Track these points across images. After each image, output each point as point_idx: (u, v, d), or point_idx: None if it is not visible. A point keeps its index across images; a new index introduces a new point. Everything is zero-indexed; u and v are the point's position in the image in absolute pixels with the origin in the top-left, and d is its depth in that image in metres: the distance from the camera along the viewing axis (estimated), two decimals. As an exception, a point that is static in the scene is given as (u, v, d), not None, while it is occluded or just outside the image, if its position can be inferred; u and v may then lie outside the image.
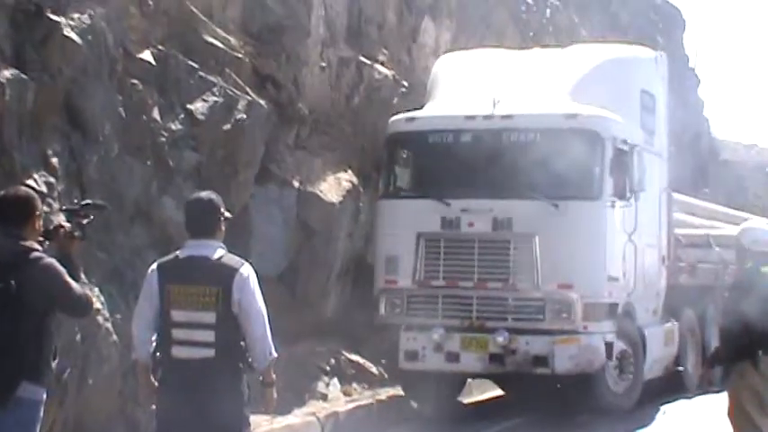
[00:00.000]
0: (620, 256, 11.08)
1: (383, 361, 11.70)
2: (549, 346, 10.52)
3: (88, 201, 5.99)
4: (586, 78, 11.52)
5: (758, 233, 7.33)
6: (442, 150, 11.22)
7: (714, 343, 11.22)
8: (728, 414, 7.12)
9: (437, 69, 12.54)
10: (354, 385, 11.94)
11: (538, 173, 10.60)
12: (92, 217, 5.64)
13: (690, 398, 12.13)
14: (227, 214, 5.67)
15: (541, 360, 10.54)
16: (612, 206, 10.94)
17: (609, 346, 10.80)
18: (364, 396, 11.63)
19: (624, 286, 11.18)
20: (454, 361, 10.77)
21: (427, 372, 10.99)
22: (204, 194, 5.73)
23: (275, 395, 5.61)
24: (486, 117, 11.06)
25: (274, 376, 5.57)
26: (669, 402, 12.14)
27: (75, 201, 6.24)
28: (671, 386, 12.59)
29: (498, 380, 12.22)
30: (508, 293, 10.73)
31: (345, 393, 11.68)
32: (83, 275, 5.42)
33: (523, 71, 11.93)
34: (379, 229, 11.57)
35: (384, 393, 11.70)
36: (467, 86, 11.77)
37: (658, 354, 12.08)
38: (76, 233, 5.51)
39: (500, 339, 10.60)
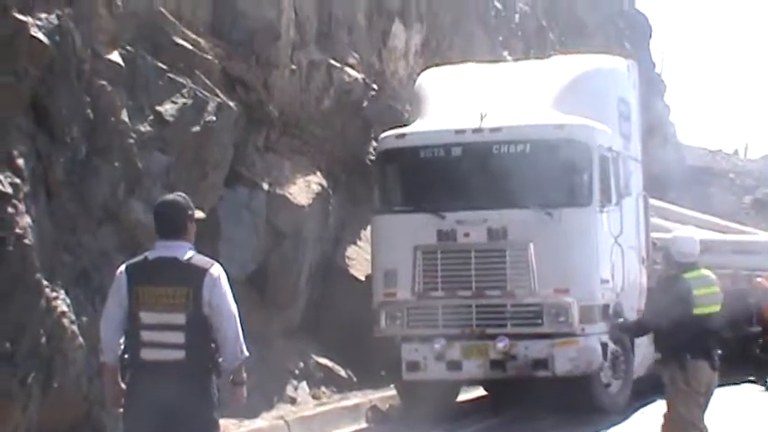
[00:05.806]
0: (609, 259, 11.35)
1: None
2: (549, 350, 10.79)
3: None
4: (567, 89, 11.82)
5: (686, 245, 7.60)
6: (434, 165, 11.40)
7: None
8: (664, 418, 7.43)
9: (420, 84, 12.72)
10: (323, 389, 11.89)
11: (529, 182, 10.87)
12: None
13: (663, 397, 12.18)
14: (198, 215, 5.61)
15: (541, 363, 10.80)
16: (601, 211, 11.24)
17: (604, 346, 11.08)
18: (333, 399, 11.58)
19: (613, 288, 11.45)
20: (456, 369, 10.95)
21: (429, 381, 11.08)
22: (173, 196, 5.70)
23: (245, 393, 5.56)
24: (476, 131, 11.28)
25: (245, 375, 5.52)
26: (651, 402, 12.19)
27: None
28: (652, 386, 12.67)
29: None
30: (506, 300, 10.94)
31: (314, 397, 11.63)
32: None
33: (506, 84, 12.19)
34: (375, 243, 11.69)
35: (353, 397, 11.65)
36: (452, 101, 11.97)
37: (643, 353, 12.28)
38: None
39: (500, 345, 10.80)
